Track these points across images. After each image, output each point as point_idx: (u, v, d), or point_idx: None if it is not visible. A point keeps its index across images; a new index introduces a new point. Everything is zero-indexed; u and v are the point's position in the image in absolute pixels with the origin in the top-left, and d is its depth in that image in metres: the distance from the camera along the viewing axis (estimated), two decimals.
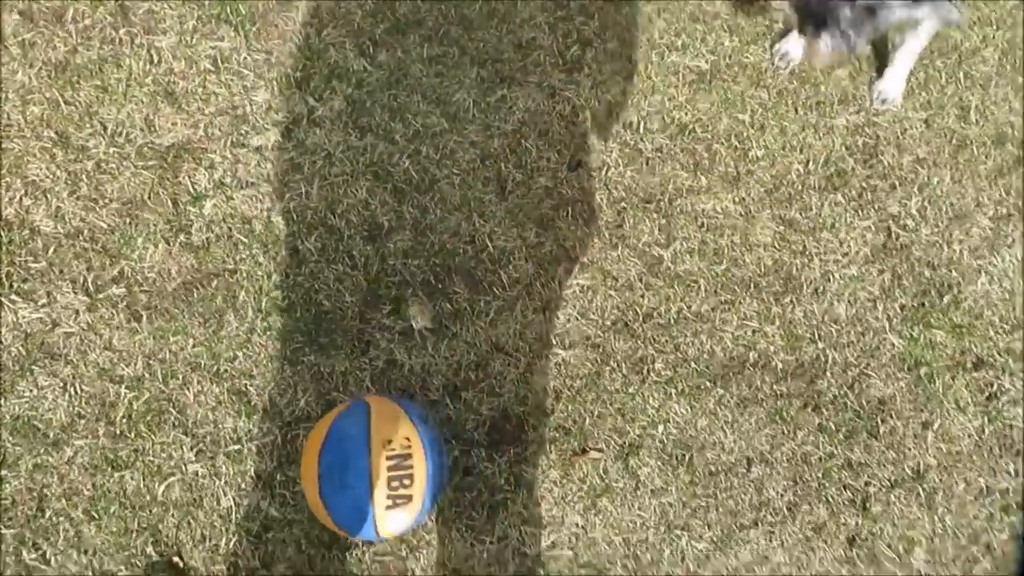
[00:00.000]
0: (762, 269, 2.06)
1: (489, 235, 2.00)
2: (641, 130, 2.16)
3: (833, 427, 1.94)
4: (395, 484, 1.46)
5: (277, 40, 2.17)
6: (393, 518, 1.49)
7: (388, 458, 1.46)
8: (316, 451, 1.51)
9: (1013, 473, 1.98)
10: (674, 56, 2.27)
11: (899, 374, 2.01)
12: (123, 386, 1.77)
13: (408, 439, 1.49)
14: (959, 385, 2.01)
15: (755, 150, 2.18)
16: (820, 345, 2.00)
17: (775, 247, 2.08)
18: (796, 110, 2.25)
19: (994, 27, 2.45)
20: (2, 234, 1.86)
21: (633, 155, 2.14)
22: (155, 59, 2.11)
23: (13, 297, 1.81)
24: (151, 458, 1.72)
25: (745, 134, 2.20)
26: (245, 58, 2.14)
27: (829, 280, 2.07)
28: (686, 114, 2.20)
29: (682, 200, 2.10)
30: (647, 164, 2.13)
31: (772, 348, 1.98)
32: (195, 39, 2.14)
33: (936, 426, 1.97)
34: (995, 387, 2.02)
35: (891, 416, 1.97)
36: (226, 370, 1.81)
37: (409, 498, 1.49)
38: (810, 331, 2.01)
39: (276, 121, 2.07)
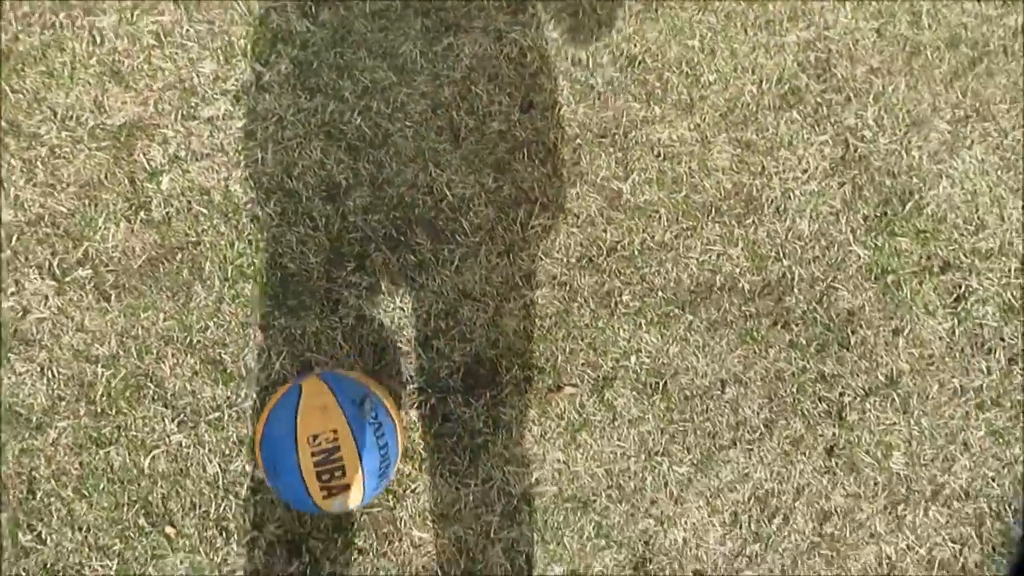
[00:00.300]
0: (722, 193, 2.06)
1: (447, 184, 2.00)
2: (591, 65, 2.15)
3: (804, 342, 1.96)
4: (325, 477, 1.46)
5: (218, 9, 2.15)
6: (335, 502, 1.51)
7: (314, 454, 1.46)
8: (258, 442, 1.53)
9: (985, 371, 2.01)
10: None
11: (866, 284, 2.02)
12: (99, 365, 1.79)
13: (335, 431, 1.47)
14: (927, 290, 2.03)
15: (707, 75, 2.17)
16: (785, 263, 2.02)
17: (733, 170, 2.09)
18: (745, 31, 2.23)
19: None
20: None
21: (584, 91, 2.13)
22: (98, 40, 2.09)
23: None
24: (134, 433, 1.75)
25: (695, 60, 2.19)
26: (188, 30, 2.12)
27: (790, 198, 2.07)
28: (635, 45, 2.19)
29: (637, 132, 2.10)
30: (599, 99, 2.13)
31: (738, 270, 2.00)
32: (136, 16, 2.12)
33: (907, 332, 2.00)
34: (963, 288, 2.04)
35: (861, 326, 1.99)
36: (199, 341, 1.83)
37: (346, 486, 1.50)
38: (774, 250, 2.03)
39: (225, 90, 2.07)
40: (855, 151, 2.13)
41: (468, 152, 2.04)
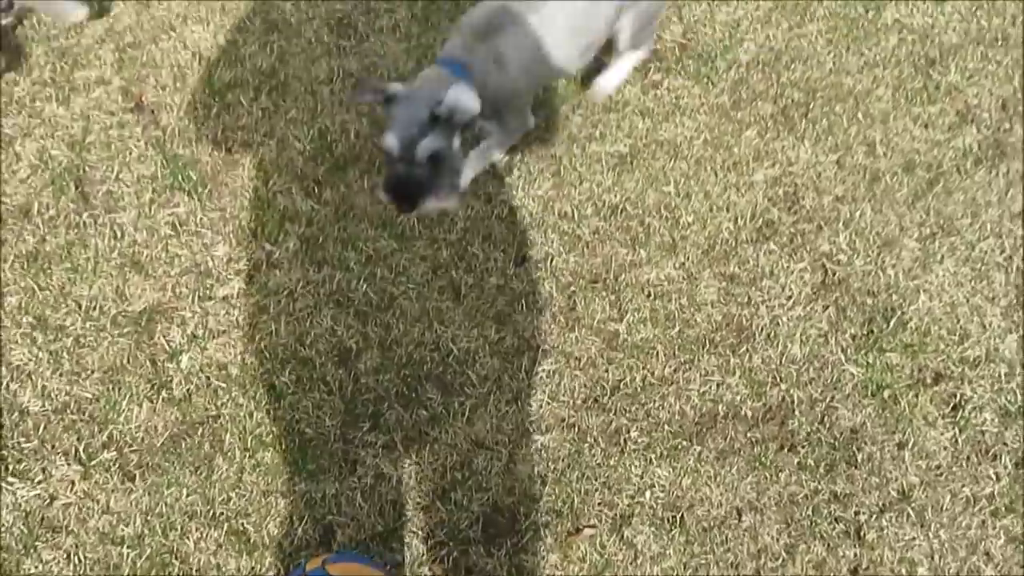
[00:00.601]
0: (714, 325, 2.17)
1: (452, 339, 2.11)
2: (576, 217, 2.32)
3: (812, 463, 2.01)
4: None
5: (229, 197, 2.34)
6: None
7: None
8: None
9: (994, 477, 2.04)
10: (594, 146, 2.46)
11: (864, 401, 2.09)
12: (125, 547, 1.82)
13: None
14: (923, 401, 2.09)
15: (685, 217, 2.34)
16: (783, 387, 2.09)
17: (722, 302, 2.20)
18: (716, 174, 2.42)
19: (881, 67, 2.67)
20: None
21: (573, 241, 2.28)
22: (118, 234, 2.26)
23: (10, 479, 1.88)
24: None
25: (673, 204, 2.36)
26: (202, 218, 2.29)
27: (779, 324, 2.18)
28: (615, 195, 2.37)
29: (627, 275, 2.23)
30: (587, 247, 2.27)
31: (738, 398, 2.07)
32: (153, 209, 2.30)
33: (911, 444, 2.04)
34: (958, 397, 2.11)
35: (866, 443, 2.04)
36: (222, 513, 1.87)
37: None
38: (771, 375, 2.11)
39: (238, 270, 2.21)
40: (833, 275, 2.26)
41: (469, 307, 2.16)
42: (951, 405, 2.10)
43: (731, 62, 2.68)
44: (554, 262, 2.25)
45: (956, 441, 2.06)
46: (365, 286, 2.18)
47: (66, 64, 2.56)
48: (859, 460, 2.01)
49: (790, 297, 2.22)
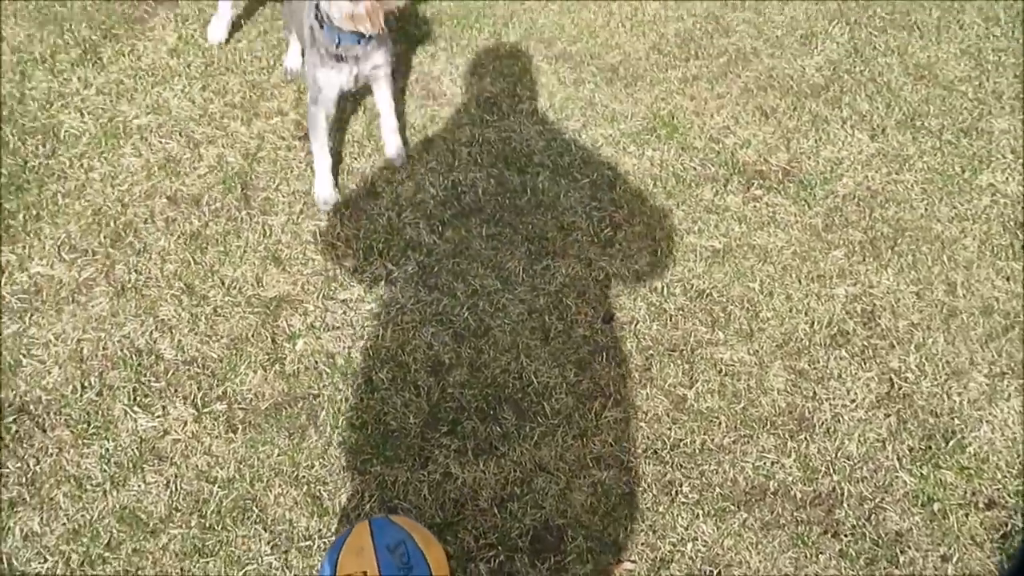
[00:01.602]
0: (776, 410, 2.31)
1: (534, 373, 2.32)
2: (665, 293, 2.54)
3: (854, 554, 2.07)
4: None
5: (365, 220, 2.68)
6: None
7: None
8: None
9: None
10: (691, 238, 2.71)
11: (914, 509, 2.16)
12: (216, 485, 2.04)
13: (365, 572, 1.66)
14: (973, 523, 2.14)
15: (765, 312, 2.52)
16: (835, 478, 2.19)
17: (787, 391, 2.35)
18: (799, 281, 2.62)
19: (971, 221, 2.86)
20: (134, 359, 2.25)
21: (658, 312, 2.49)
22: (268, 233, 2.61)
23: (135, 408, 2.16)
24: (233, 549, 1.95)
25: (755, 299, 2.55)
26: (339, 233, 2.63)
27: (839, 422, 2.30)
28: (703, 282, 2.58)
29: (702, 350, 2.41)
30: (671, 320, 2.48)
31: (791, 478, 2.18)
32: (300, 219, 2.66)
33: (955, 559, 2.09)
34: (1009, 526, 2.15)
35: (910, 547, 2.09)
36: (304, 476, 2.08)
37: None
38: (825, 465, 2.21)
39: (360, 280, 2.51)
40: (899, 389, 2.38)
41: (555, 349, 2.38)
42: (1001, 532, 2.14)
43: (828, 192, 2.92)
44: (638, 326, 2.45)
45: (1003, 566, 2.08)
46: (467, 314, 2.44)
47: (255, 95, 3.04)
48: (901, 562, 2.06)
49: (854, 400, 2.34)
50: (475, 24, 3.46)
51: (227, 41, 3.19)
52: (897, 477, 2.20)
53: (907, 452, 2.25)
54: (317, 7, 2.44)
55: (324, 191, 2.69)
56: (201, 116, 2.93)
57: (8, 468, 2.02)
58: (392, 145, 2.84)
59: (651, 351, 2.40)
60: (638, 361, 2.38)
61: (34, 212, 2.55)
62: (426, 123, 3.01)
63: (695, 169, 2.96)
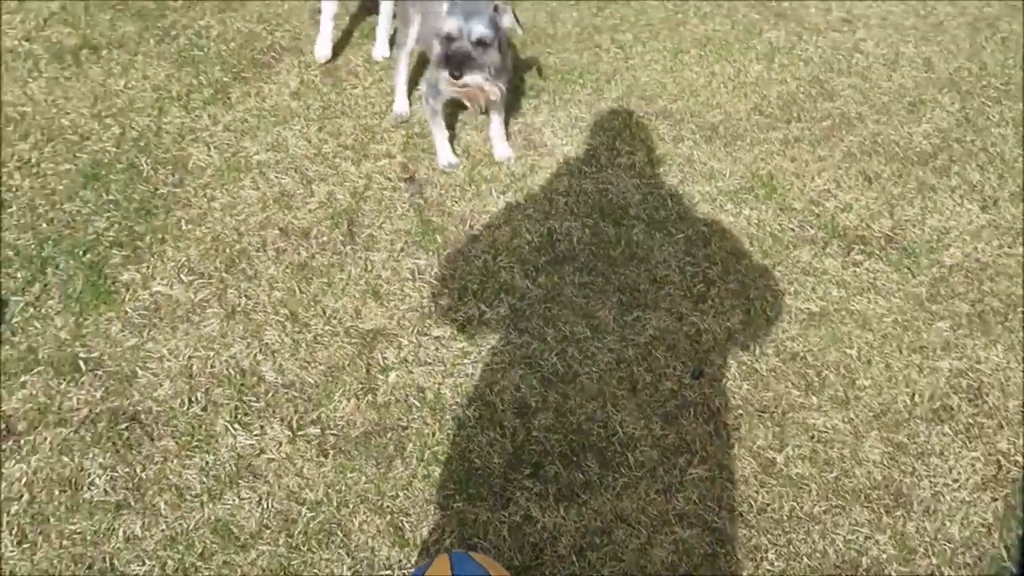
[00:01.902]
0: (872, 482, 2.22)
1: (620, 423, 2.31)
2: (757, 353, 2.50)
3: None
4: None
5: (461, 262, 2.76)
6: None
7: None
8: None
9: None
10: (787, 299, 2.67)
11: None
12: (304, 507, 2.10)
13: None
14: None
15: (862, 380, 2.45)
16: (935, 560, 2.08)
17: (885, 464, 2.26)
18: (900, 351, 2.53)
19: None
20: (238, 378, 2.37)
21: (749, 372, 2.45)
22: (369, 268, 2.72)
23: (236, 426, 2.26)
24: (316, 571, 2.00)
25: (852, 366, 2.49)
26: (436, 273, 2.71)
27: (940, 501, 2.19)
28: (798, 344, 2.54)
29: (794, 414, 2.36)
30: (762, 381, 2.44)
31: (884, 556, 2.08)
32: (400, 256, 2.76)
33: None
34: None
35: None
36: (388, 506, 2.12)
37: None
38: (923, 546, 2.11)
39: (454, 319, 2.58)
40: (1007, 473, 2.26)
41: (642, 401, 2.37)
42: None
43: (934, 261, 2.84)
44: (728, 384, 2.42)
45: None
46: (555, 359, 2.46)
47: (366, 137, 3.20)
48: None
49: (957, 480, 2.23)
50: (578, 79, 3.56)
51: (332, 58, 3.50)
52: (1005, 568, 2.07)
53: (1016, 542, 2.12)
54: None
55: (446, 158, 3.08)
56: (315, 155, 3.10)
57: (117, 472, 2.14)
58: (500, 149, 3.15)
59: (740, 411, 2.36)
60: (727, 420, 2.34)
61: (159, 236, 2.74)
62: (526, 172, 3.09)
63: (793, 230, 2.93)
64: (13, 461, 2.15)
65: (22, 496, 2.09)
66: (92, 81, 3.30)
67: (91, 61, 3.39)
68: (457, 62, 2.64)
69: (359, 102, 3.35)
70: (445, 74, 2.68)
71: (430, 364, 2.46)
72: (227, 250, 2.72)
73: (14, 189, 2.83)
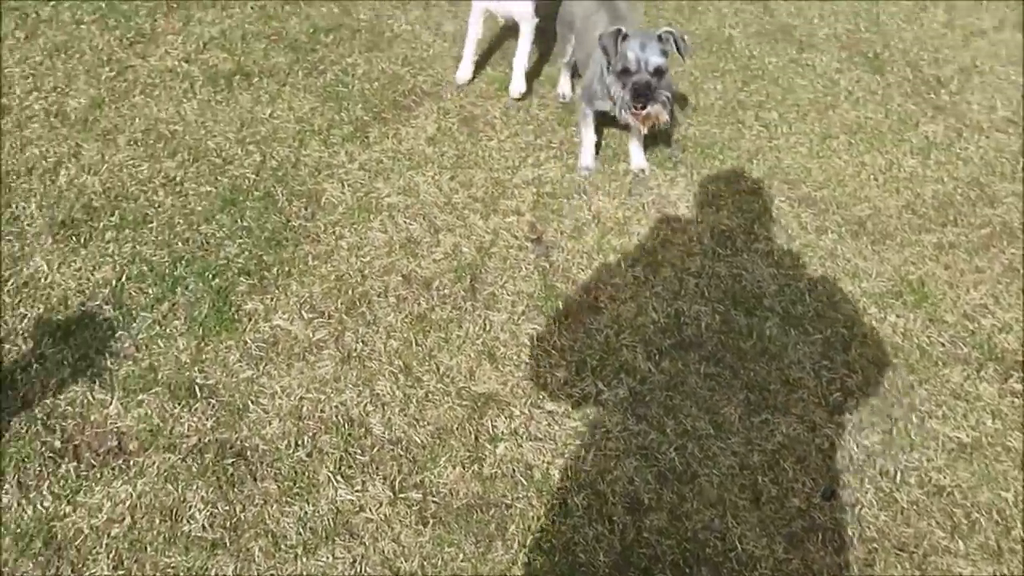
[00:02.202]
0: None
1: (739, 537, 2.13)
2: (898, 480, 2.28)
3: None
4: None
5: (582, 334, 2.65)
6: None
7: None
8: None
9: None
10: (934, 423, 2.44)
11: None
12: None
13: None
14: None
15: (1019, 531, 2.19)
16: None
17: None
18: None
19: None
20: (346, 427, 2.31)
21: (888, 501, 2.23)
22: (487, 327, 2.64)
23: (338, 478, 2.20)
24: None
25: (1009, 512, 2.23)
26: (555, 342, 2.61)
27: None
28: (945, 477, 2.30)
29: (937, 558, 2.12)
30: (902, 514, 2.21)
31: None
32: (520, 320, 2.68)
33: None
34: None
35: None
36: None
37: None
38: None
39: (569, 395, 2.46)
40: None
41: (765, 516, 2.18)
42: None
43: None
44: (862, 511, 2.21)
45: None
46: (674, 454, 2.31)
47: (496, 191, 3.15)
48: None
49: None
50: (719, 155, 3.43)
51: (471, 81, 3.63)
52: None
53: None
54: (606, 67, 2.93)
55: (587, 160, 3.24)
56: (445, 204, 3.07)
57: (217, 509, 2.11)
58: (636, 157, 3.29)
59: (875, 544, 2.14)
60: (859, 553, 2.12)
61: (286, 268, 2.75)
62: (656, 246, 2.98)
63: (943, 346, 2.70)
64: (121, 481, 2.14)
65: (124, 519, 2.08)
66: (241, 107, 3.39)
67: (242, 87, 3.50)
68: (640, 94, 2.81)
69: (493, 154, 3.32)
70: (626, 100, 2.83)
71: (541, 440, 2.34)
72: (349, 291, 2.70)
73: (157, 205, 2.91)
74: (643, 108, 2.82)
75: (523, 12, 3.43)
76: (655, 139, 3.37)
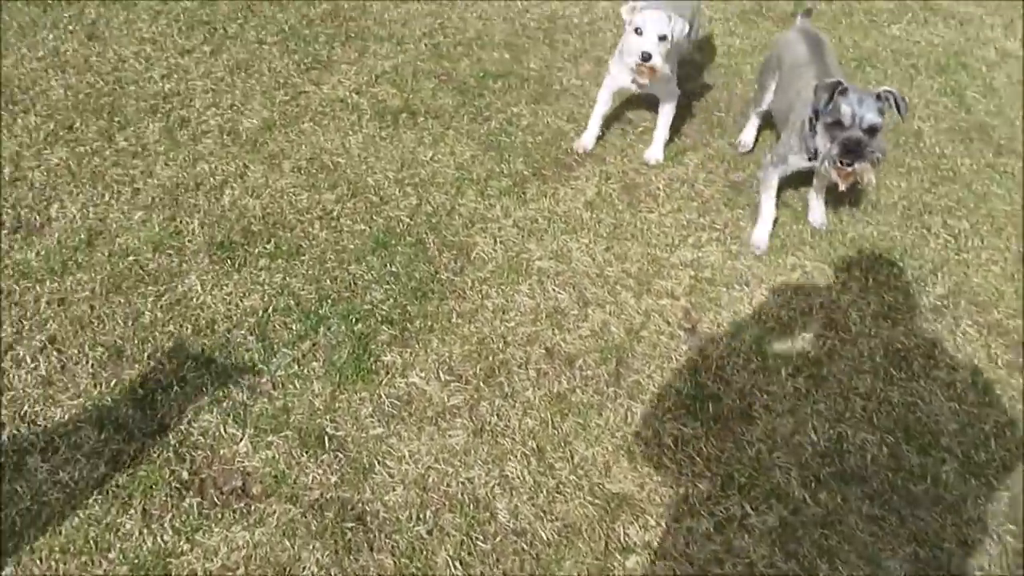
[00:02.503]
0: None
1: None
2: None
3: None
4: None
5: (731, 444, 2.42)
6: None
7: None
8: None
9: None
10: None
11: None
12: None
13: None
14: None
15: None
16: None
17: None
18: None
19: None
20: (471, 508, 2.18)
21: None
22: (629, 420, 2.46)
23: (456, 563, 2.07)
24: None
25: None
26: (701, 448, 2.40)
27: None
28: None
29: None
30: None
31: None
32: (665, 417, 2.48)
33: None
34: None
35: None
36: None
37: None
38: None
39: (712, 512, 2.24)
40: None
41: None
42: None
43: None
44: None
45: None
46: None
47: (652, 269, 2.98)
48: None
49: None
50: (898, 262, 3.13)
51: (592, 149, 3.48)
52: None
53: None
54: (812, 122, 2.81)
55: (762, 236, 3.09)
56: (597, 275, 2.93)
57: None
58: (817, 212, 3.22)
59: None
60: None
61: (429, 323, 2.67)
62: (822, 357, 2.72)
63: None
64: (240, 527, 2.09)
65: (239, 568, 2.01)
66: (404, 146, 3.37)
67: (407, 126, 3.49)
68: (850, 150, 2.66)
69: (652, 228, 3.16)
70: (833, 155, 2.69)
71: (676, 560, 2.13)
72: (490, 357, 2.59)
73: (311, 238, 2.90)
74: (850, 165, 2.67)
75: (668, 91, 3.33)
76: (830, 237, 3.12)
